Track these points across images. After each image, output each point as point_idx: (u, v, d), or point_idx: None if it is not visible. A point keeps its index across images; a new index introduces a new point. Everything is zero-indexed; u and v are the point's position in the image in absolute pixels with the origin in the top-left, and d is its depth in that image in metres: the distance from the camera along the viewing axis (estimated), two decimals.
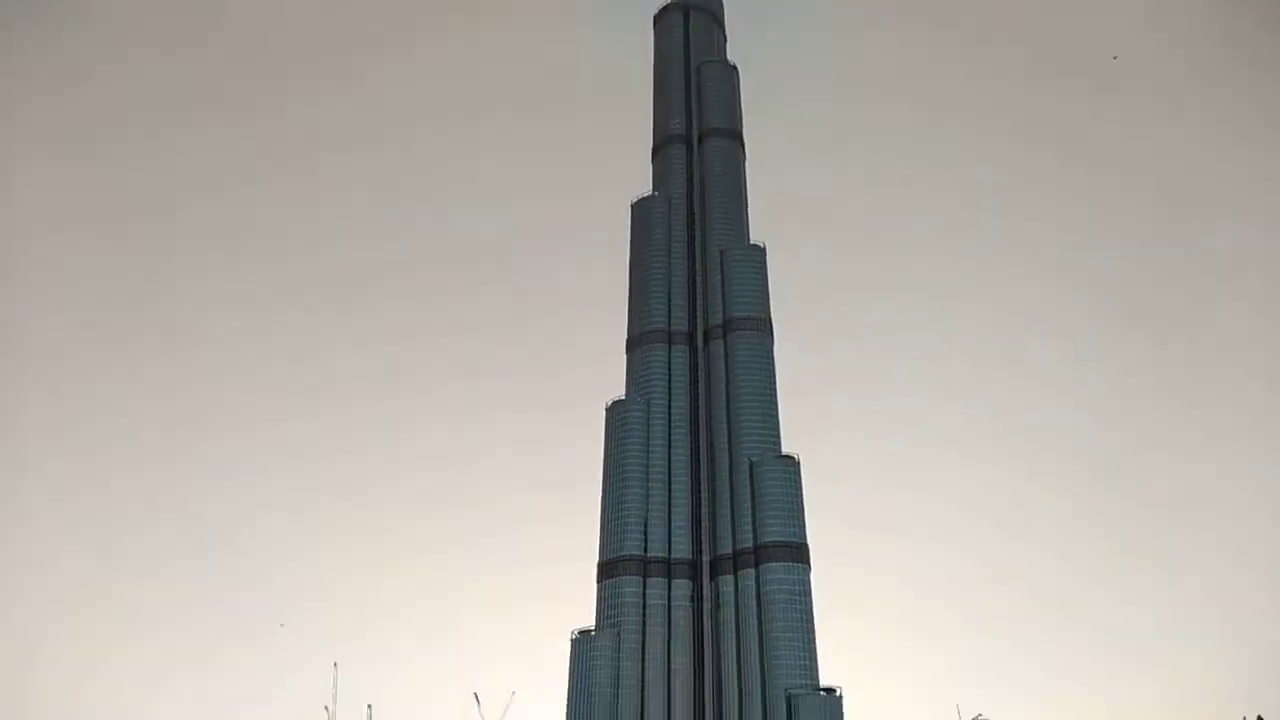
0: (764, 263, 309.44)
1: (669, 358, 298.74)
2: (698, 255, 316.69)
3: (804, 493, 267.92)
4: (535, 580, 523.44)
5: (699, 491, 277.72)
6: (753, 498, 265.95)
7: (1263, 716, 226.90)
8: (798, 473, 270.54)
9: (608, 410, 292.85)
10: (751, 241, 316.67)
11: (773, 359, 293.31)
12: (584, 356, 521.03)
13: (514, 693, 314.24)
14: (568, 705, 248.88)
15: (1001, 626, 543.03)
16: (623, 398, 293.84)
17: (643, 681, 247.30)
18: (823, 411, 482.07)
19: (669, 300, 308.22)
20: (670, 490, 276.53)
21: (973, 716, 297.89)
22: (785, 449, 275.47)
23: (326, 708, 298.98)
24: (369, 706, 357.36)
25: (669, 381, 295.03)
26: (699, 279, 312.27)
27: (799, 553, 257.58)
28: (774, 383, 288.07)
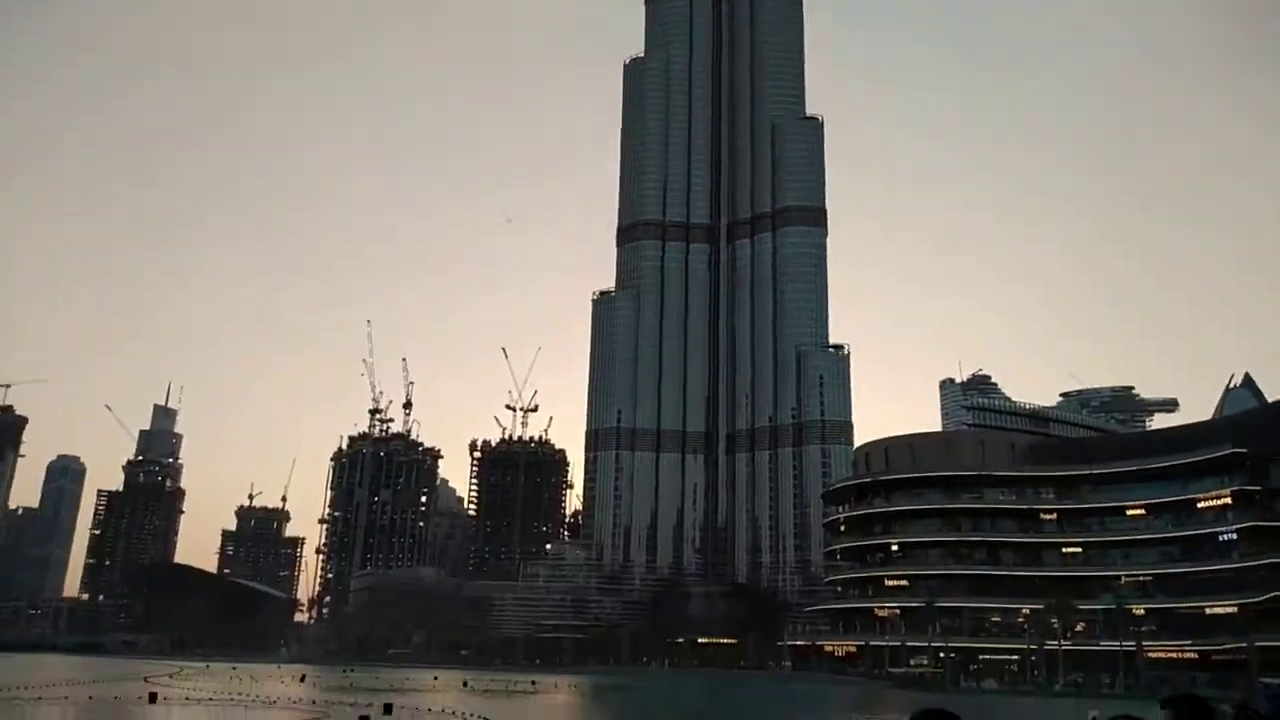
0: None
1: (690, 7, 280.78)
2: None
3: (826, 154, 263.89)
4: (558, 245, 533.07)
5: (719, 154, 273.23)
6: (773, 161, 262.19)
7: (1250, 374, 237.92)
8: (820, 135, 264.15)
9: (625, 69, 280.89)
10: None
11: (801, 9, 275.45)
12: (596, 9, 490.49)
13: (539, 349, 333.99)
14: (590, 360, 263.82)
15: (1013, 286, 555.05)
16: (641, 55, 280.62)
17: (660, 339, 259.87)
18: (852, 68, 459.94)
19: None
20: (690, 153, 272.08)
21: (973, 371, 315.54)
22: (809, 110, 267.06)
23: (365, 360, 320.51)
24: (404, 360, 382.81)
25: (690, 35, 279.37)
26: None
27: (817, 216, 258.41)
28: (801, 37, 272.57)
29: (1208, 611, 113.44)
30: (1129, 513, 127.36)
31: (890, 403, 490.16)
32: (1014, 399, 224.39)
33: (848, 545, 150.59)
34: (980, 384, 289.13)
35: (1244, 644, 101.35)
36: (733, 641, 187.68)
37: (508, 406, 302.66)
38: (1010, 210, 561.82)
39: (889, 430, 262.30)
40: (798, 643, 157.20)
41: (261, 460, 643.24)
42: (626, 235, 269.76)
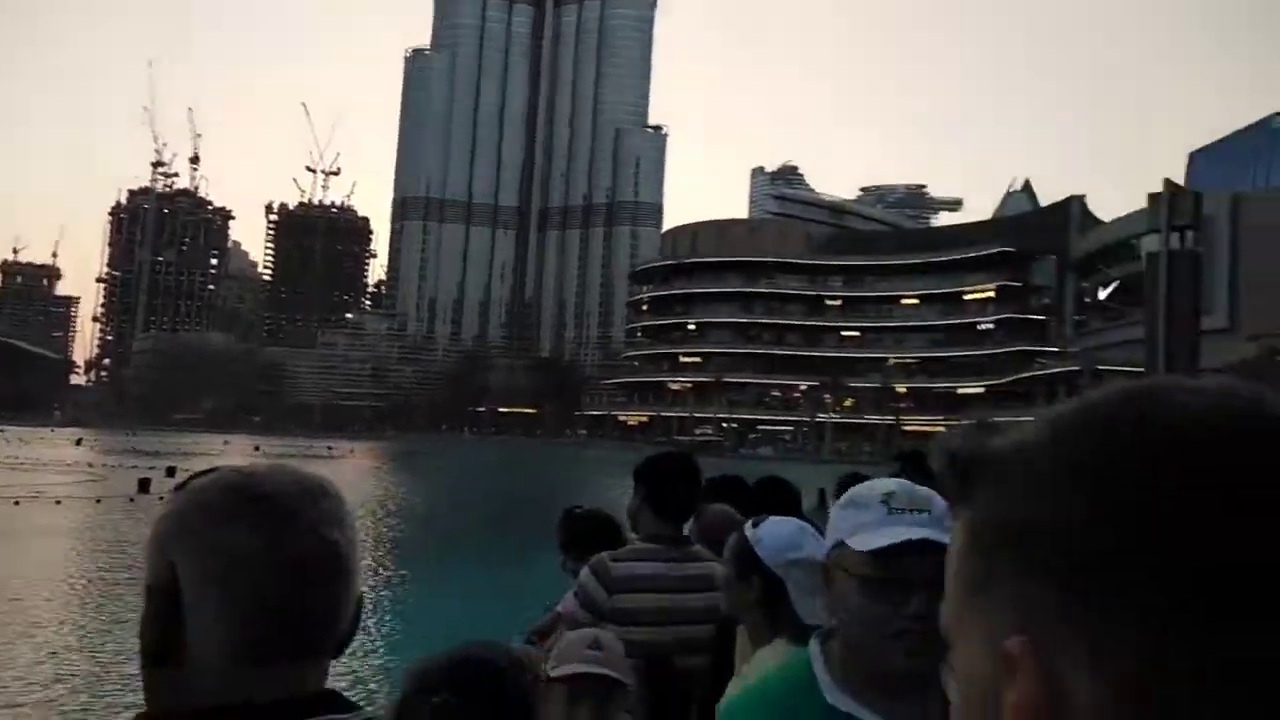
0: None
1: None
2: None
3: None
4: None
5: None
6: None
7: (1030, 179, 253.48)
8: None
9: None
10: None
11: None
12: None
13: (343, 110, 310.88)
14: (400, 124, 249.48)
15: (827, 79, 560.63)
16: None
17: (476, 106, 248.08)
18: None
19: None
20: None
21: (782, 161, 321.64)
22: None
23: (145, 108, 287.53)
24: (189, 109, 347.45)
25: None
26: None
27: None
28: None
29: (959, 391, 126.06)
30: (904, 302, 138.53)
31: (704, 188, 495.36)
32: (818, 191, 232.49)
33: (649, 324, 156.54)
34: (788, 174, 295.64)
35: (986, 420, 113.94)
36: (532, 411, 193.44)
37: (308, 168, 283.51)
38: (819, 8, 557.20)
39: (701, 214, 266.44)
40: (593, 413, 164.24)
41: (27, 212, 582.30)
42: None
